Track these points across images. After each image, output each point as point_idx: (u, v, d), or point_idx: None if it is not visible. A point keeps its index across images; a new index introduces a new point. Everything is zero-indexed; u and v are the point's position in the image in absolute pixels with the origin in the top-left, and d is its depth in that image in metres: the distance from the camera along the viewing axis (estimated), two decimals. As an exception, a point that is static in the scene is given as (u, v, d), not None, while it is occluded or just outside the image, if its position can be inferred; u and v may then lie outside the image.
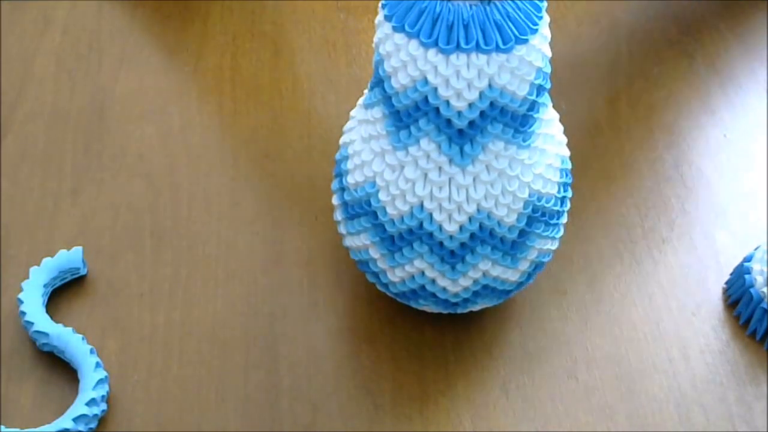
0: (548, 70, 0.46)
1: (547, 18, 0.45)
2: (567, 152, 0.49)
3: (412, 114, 0.45)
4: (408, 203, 0.46)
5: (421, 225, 0.47)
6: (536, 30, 0.44)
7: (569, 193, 0.50)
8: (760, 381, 0.50)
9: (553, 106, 0.49)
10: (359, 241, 0.49)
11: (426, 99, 0.44)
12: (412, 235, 0.47)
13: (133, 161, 0.60)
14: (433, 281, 0.48)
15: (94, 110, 0.62)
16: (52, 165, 0.60)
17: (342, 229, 0.50)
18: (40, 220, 0.57)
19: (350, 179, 0.48)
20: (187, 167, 0.59)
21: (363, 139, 0.48)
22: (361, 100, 0.49)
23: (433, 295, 0.49)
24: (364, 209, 0.48)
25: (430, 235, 0.47)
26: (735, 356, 0.51)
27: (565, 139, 0.49)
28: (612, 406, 0.50)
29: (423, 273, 0.48)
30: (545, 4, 0.45)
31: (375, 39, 0.46)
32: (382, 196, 0.47)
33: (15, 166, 0.60)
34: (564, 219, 0.50)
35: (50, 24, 0.68)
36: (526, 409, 0.50)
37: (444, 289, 0.48)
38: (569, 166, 0.50)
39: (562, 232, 0.50)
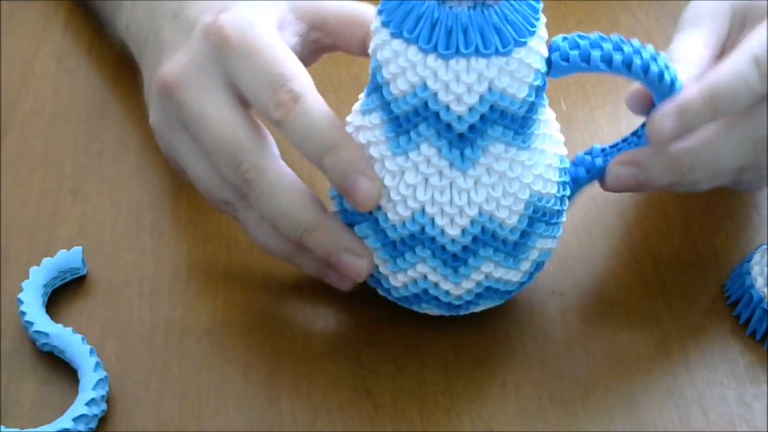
0: (545, 70, 0.46)
1: (543, 19, 0.45)
2: (565, 151, 0.50)
3: (411, 119, 0.45)
4: (409, 208, 0.46)
5: (423, 229, 0.47)
6: (534, 32, 0.44)
7: (568, 192, 0.50)
8: (760, 381, 0.50)
9: (553, 107, 0.49)
10: (360, 247, 0.49)
11: (426, 104, 0.44)
12: (414, 239, 0.47)
13: (133, 161, 0.60)
14: (436, 285, 0.48)
15: (94, 110, 0.63)
16: (52, 165, 0.60)
17: (342, 235, 0.50)
18: (40, 220, 0.57)
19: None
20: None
21: (361, 145, 0.47)
22: (356, 106, 0.49)
23: (436, 298, 0.49)
24: (364, 215, 0.48)
25: (432, 239, 0.47)
26: (735, 356, 0.51)
27: (562, 138, 0.49)
28: (612, 406, 0.50)
29: (425, 277, 0.48)
30: (541, 4, 0.45)
31: (371, 45, 0.46)
32: (383, 201, 0.47)
33: (15, 166, 0.60)
34: (563, 218, 0.50)
35: (50, 24, 0.68)
36: (526, 409, 0.50)
37: (447, 293, 0.48)
38: (567, 165, 0.50)
39: (561, 231, 0.50)
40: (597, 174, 0.51)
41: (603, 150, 0.52)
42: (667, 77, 0.47)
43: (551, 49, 0.46)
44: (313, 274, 0.51)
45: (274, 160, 0.48)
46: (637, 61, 0.46)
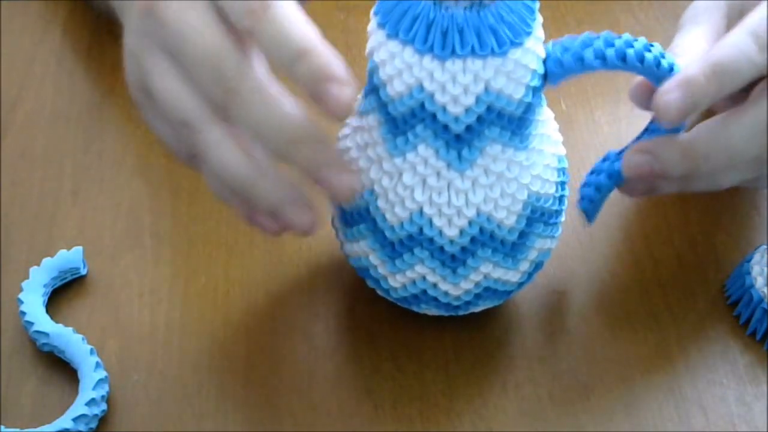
0: (542, 71, 0.46)
1: (540, 19, 0.45)
2: (563, 151, 0.49)
3: (408, 121, 0.45)
4: (407, 209, 0.46)
5: (421, 230, 0.47)
6: (530, 32, 0.44)
7: (567, 192, 0.50)
8: (760, 381, 0.50)
9: (552, 107, 0.49)
10: (359, 248, 0.49)
11: (422, 105, 0.44)
12: (412, 240, 0.47)
13: (133, 161, 0.60)
14: (435, 286, 0.48)
15: (94, 110, 0.63)
16: (52, 165, 0.60)
17: (340, 236, 0.50)
18: (40, 220, 0.57)
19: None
20: (187, 167, 0.59)
21: (359, 146, 0.47)
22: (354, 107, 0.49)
23: (435, 299, 0.49)
24: (362, 216, 0.48)
25: (431, 240, 0.47)
26: (735, 356, 0.51)
27: (560, 138, 0.49)
28: (612, 406, 0.50)
29: (424, 278, 0.48)
30: (538, 5, 0.45)
31: (368, 47, 0.46)
32: (380, 203, 0.47)
33: (15, 166, 0.60)
34: (562, 218, 0.50)
35: (50, 24, 0.68)
36: (526, 409, 0.50)
37: (445, 293, 0.48)
38: (566, 165, 0.50)
39: (560, 232, 0.50)
40: (618, 178, 0.51)
41: (619, 153, 0.52)
42: (664, 63, 0.47)
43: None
44: (270, 216, 0.47)
45: (260, 68, 0.46)
46: (630, 52, 0.46)
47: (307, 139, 0.45)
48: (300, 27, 0.44)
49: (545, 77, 0.46)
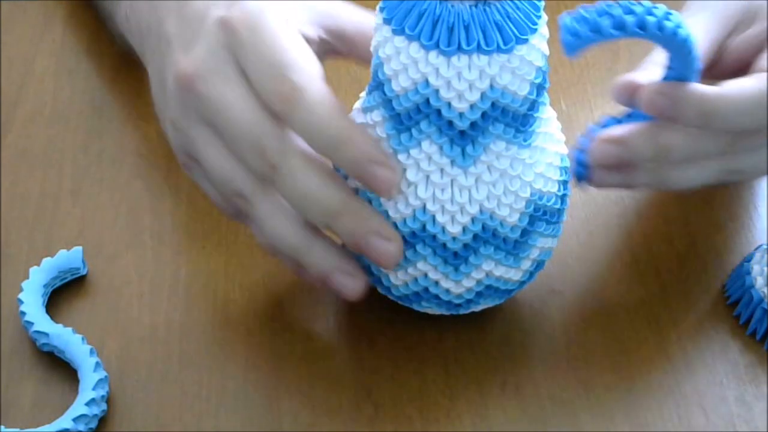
0: (547, 68, 0.46)
1: (545, 17, 0.45)
2: (566, 150, 0.50)
3: (413, 116, 0.45)
4: (410, 206, 0.46)
5: (424, 227, 0.47)
6: (536, 29, 0.45)
7: (569, 191, 0.50)
8: (760, 381, 0.50)
9: (553, 106, 0.49)
10: (360, 245, 0.49)
11: (427, 101, 0.44)
12: (415, 237, 0.47)
13: (133, 161, 0.60)
14: (437, 283, 0.48)
15: (94, 110, 0.63)
16: (52, 165, 0.60)
17: (342, 234, 0.50)
18: (40, 220, 0.57)
19: (350, 183, 0.48)
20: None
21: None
22: (358, 104, 0.49)
23: (437, 297, 0.49)
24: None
25: (433, 237, 0.47)
26: (735, 356, 0.51)
27: (563, 137, 0.49)
28: (612, 406, 0.50)
29: (426, 275, 0.48)
30: (543, 3, 0.45)
31: (373, 42, 0.46)
32: (383, 199, 0.47)
33: (15, 166, 0.60)
34: (564, 217, 0.50)
35: (50, 24, 0.68)
36: (526, 409, 0.50)
37: (447, 291, 0.48)
38: (568, 164, 0.50)
39: (562, 231, 0.50)
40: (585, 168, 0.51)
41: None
42: (681, 33, 0.45)
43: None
44: (318, 279, 0.50)
45: (299, 141, 0.47)
46: (650, 20, 0.44)
47: (348, 210, 0.47)
48: (333, 115, 0.46)
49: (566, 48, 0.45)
